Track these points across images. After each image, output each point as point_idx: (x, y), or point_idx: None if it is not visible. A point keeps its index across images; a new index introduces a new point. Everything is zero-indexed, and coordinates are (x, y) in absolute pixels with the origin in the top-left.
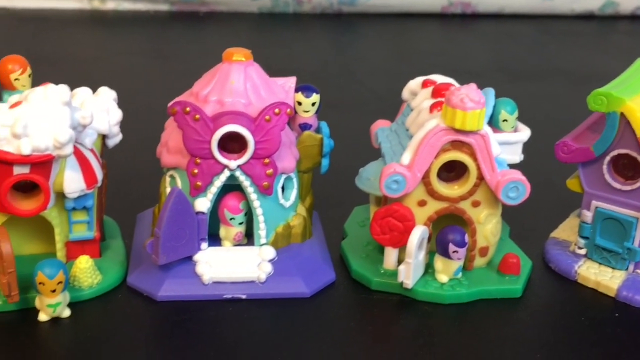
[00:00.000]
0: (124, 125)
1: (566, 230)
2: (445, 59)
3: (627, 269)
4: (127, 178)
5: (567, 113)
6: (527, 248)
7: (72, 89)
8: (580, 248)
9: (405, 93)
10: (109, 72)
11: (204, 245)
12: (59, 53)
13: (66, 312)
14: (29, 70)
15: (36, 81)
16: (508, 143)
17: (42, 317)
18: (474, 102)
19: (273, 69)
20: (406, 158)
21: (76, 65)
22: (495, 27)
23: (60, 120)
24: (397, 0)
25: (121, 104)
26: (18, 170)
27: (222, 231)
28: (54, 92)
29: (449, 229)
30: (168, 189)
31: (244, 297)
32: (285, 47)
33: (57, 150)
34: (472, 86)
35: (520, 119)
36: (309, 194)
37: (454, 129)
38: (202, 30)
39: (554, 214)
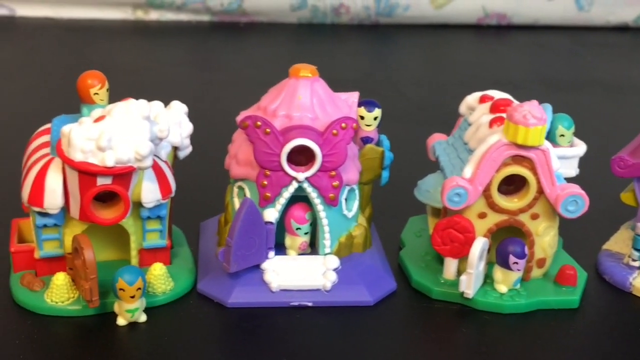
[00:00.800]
0: None
1: (618, 242)
2: (483, 70)
3: None
4: (187, 187)
5: (606, 124)
6: (580, 259)
7: (121, 99)
8: (634, 260)
9: (463, 108)
10: (155, 83)
11: (271, 254)
12: (106, 63)
13: (143, 317)
14: (106, 85)
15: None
16: (565, 157)
17: (121, 321)
18: (536, 119)
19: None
20: (468, 172)
21: (123, 76)
22: (530, 38)
23: (141, 133)
24: (433, 12)
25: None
26: (101, 181)
27: (288, 240)
28: (135, 107)
29: (509, 241)
30: (236, 200)
31: (310, 304)
32: (325, 57)
33: (138, 162)
34: (534, 103)
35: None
36: (369, 205)
37: (516, 144)
38: (243, 41)
39: (605, 226)
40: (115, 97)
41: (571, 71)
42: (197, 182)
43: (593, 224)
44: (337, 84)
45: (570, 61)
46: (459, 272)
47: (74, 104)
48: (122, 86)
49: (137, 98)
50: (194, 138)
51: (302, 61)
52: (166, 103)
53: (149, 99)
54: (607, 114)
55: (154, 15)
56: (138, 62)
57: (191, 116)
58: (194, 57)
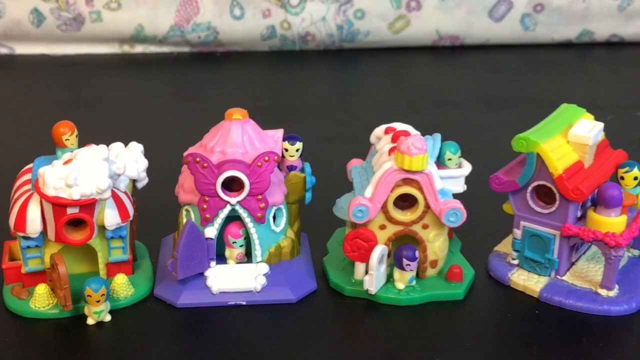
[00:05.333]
0: (152, 160)
1: (507, 245)
2: (432, 91)
3: (549, 275)
4: (153, 209)
5: None
6: (476, 260)
7: (108, 130)
8: (513, 259)
9: (373, 138)
10: (138, 114)
11: (213, 263)
12: (95, 97)
13: (107, 318)
14: (75, 132)
15: (80, 124)
16: (453, 177)
17: (90, 321)
18: (417, 149)
19: (280, 104)
20: (368, 192)
21: (111, 108)
22: (481, 58)
23: (101, 172)
24: (391, 36)
25: (148, 142)
26: (70, 211)
27: (227, 252)
28: (96, 151)
29: (403, 247)
30: (184, 220)
31: (244, 303)
32: (291, 83)
33: (99, 195)
34: (417, 136)
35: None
36: (297, 220)
37: (404, 170)
38: (220, 69)
39: (501, 231)
40: (103, 127)
41: (513, 88)
42: (164, 202)
43: (491, 229)
44: (299, 109)
45: (514, 78)
46: (367, 274)
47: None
48: (109, 118)
49: (121, 128)
50: (169, 163)
51: (271, 87)
52: (145, 133)
53: (131, 130)
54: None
55: (139, 49)
56: (124, 94)
57: (165, 144)
58: (176, 86)
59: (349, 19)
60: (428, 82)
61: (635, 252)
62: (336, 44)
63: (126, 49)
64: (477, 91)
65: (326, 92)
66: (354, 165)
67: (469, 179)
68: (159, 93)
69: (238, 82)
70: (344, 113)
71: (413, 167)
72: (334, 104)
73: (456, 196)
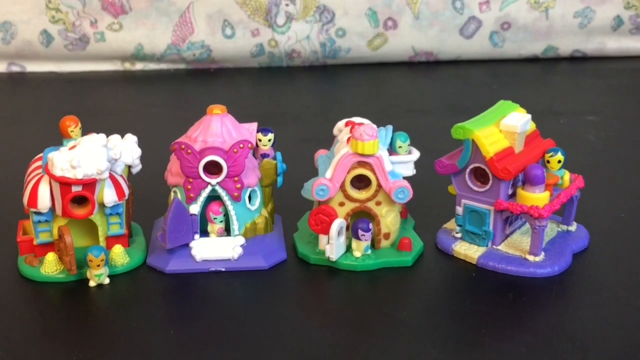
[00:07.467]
0: (148, 158)
1: (454, 223)
2: (404, 100)
3: (487, 245)
4: (147, 194)
5: None
6: (426, 236)
7: (108, 135)
8: (457, 233)
9: (335, 130)
10: (137, 121)
11: (197, 236)
12: (98, 107)
13: (106, 281)
14: (79, 125)
15: (85, 130)
16: (403, 162)
17: (91, 283)
18: (369, 136)
19: (265, 113)
20: (328, 174)
21: (112, 117)
22: (452, 72)
23: (100, 156)
24: (370, 53)
25: (145, 143)
26: (74, 189)
27: (209, 227)
28: (96, 139)
29: (358, 220)
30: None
31: (223, 269)
32: (277, 95)
33: (98, 175)
34: (369, 125)
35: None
36: (270, 202)
37: (358, 154)
38: (213, 84)
39: (450, 214)
40: (106, 133)
41: (477, 98)
42: (156, 190)
43: (442, 212)
44: (282, 116)
45: (480, 90)
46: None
47: None
48: (113, 125)
49: (121, 134)
50: (161, 158)
51: (259, 99)
52: (143, 137)
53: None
54: None
55: (139, 66)
56: (125, 105)
57: (160, 144)
58: (172, 99)
59: (331, 37)
60: (402, 94)
61: (564, 227)
62: (320, 60)
63: (127, 66)
64: (446, 100)
65: (308, 103)
66: (320, 154)
67: (429, 171)
68: (157, 105)
69: (229, 96)
70: (323, 120)
71: (365, 151)
72: (314, 113)
73: (411, 181)
